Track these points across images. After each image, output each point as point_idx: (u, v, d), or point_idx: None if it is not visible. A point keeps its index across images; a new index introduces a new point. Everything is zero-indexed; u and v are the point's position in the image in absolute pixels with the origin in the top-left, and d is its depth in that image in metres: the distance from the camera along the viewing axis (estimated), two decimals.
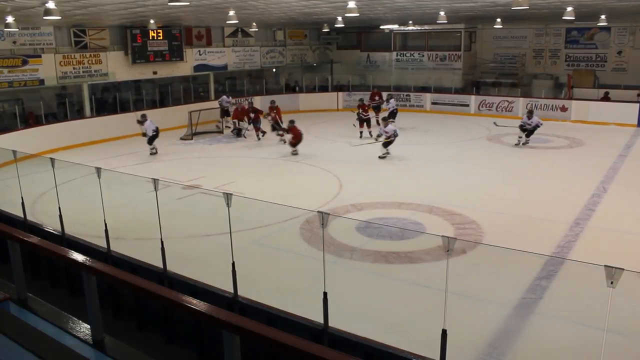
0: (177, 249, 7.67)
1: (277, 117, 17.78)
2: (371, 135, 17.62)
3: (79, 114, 19.18)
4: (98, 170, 7.19)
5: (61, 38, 18.24)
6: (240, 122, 18.96)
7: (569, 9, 14.55)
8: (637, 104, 20.41)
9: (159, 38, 20.61)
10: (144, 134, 16.24)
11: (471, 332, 6.31)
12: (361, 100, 19.52)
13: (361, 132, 18.11)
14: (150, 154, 16.33)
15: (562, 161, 15.35)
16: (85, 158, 14.33)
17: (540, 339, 6.40)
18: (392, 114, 19.74)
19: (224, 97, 21.18)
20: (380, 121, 17.66)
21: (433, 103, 23.90)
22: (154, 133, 16.16)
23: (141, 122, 16.21)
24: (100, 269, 3.55)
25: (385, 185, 12.69)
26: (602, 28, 22.81)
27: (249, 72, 25.97)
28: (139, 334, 6.06)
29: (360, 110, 18.34)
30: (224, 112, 20.61)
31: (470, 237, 9.31)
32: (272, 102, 18.50)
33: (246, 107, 19.39)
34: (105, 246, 7.45)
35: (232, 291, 6.09)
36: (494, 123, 17.74)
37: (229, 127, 19.83)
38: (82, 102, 19.25)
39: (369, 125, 18.29)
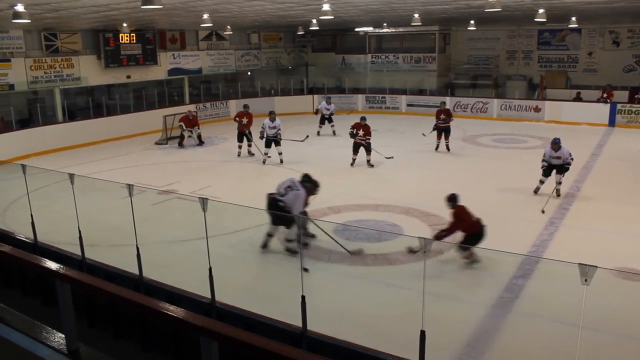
0: (153, 255, 7.58)
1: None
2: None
3: (51, 119, 18.89)
4: (71, 176, 7.08)
5: (31, 42, 17.94)
6: (187, 130, 18.06)
7: (541, 11, 14.77)
8: (608, 104, 20.78)
9: (132, 42, 20.40)
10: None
11: (449, 333, 6.34)
12: (443, 103, 17.70)
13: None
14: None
15: (536, 161, 15.43)
16: (58, 164, 14.11)
17: (517, 337, 6.46)
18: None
19: (323, 103, 19.90)
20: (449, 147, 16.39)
21: (409, 105, 24.06)
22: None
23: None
24: (75, 276, 3.47)
25: (362, 188, 12.71)
26: (573, 30, 23.21)
27: (224, 75, 25.84)
28: (115, 342, 5.98)
29: (437, 121, 16.39)
30: (323, 119, 19.62)
31: (447, 238, 9.35)
32: (246, 106, 16.78)
33: (195, 116, 18.59)
34: (80, 253, 7.34)
35: (209, 297, 6.04)
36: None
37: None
38: (54, 107, 18.96)
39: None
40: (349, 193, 12.07)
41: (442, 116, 16.40)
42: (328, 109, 19.56)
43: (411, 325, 5.16)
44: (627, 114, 20.44)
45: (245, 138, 16.29)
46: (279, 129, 14.93)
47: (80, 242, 7.36)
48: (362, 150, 14.44)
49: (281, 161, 15.00)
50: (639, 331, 6.51)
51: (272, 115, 14.98)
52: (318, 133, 19.50)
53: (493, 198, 11.81)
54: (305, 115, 23.75)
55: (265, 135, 14.96)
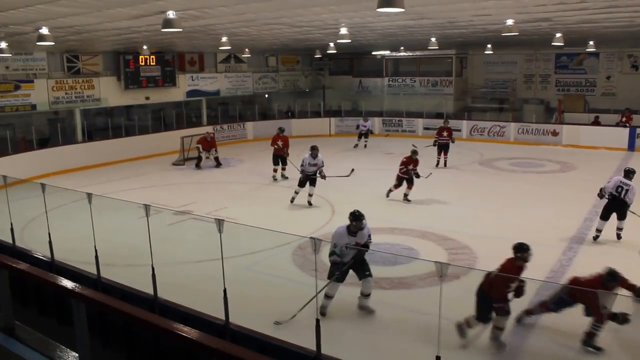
0: (169, 275, 7.59)
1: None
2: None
3: (71, 139, 19.14)
4: (89, 195, 7.15)
5: (54, 63, 18.30)
6: (204, 152, 18.20)
7: (558, 35, 14.76)
8: (627, 128, 20.62)
9: (151, 64, 20.70)
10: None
11: (466, 358, 6.24)
12: (446, 121, 18.69)
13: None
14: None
15: (554, 185, 15.40)
16: (76, 183, 14.24)
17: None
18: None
19: (361, 120, 22.44)
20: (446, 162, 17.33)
21: (425, 128, 24.02)
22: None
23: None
24: (90, 295, 3.48)
25: (378, 211, 12.63)
26: (590, 54, 23.12)
27: (241, 97, 26.06)
28: None
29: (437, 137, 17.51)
30: (360, 135, 22.04)
31: (464, 262, 9.27)
32: (281, 129, 16.60)
33: (213, 138, 18.69)
34: (96, 273, 7.37)
35: (223, 318, 6.02)
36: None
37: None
38: (74, 127, 19.23)
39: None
40: (364, 216, 11.97)
41: (445, 133, 17.49)
42: (365, 126, 22.00)
43: (427, 350, 5.10)
44: None
45: (280, 161, 16.06)
46: (321, 166, 13.17)
47: (97, 261, 7.40)
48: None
49: (309, 203, 13.19)
50: None
51: (314, 151, 13.13)
52: (355, 146, 21.82)
53: (511, 222, 11.71)
54: (322, 137, 23.82)
55: (304, 173, 13.19)
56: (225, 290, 6.03)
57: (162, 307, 6.53)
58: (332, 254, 7.34)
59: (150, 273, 6.73)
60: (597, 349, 6.32)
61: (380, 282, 8.29)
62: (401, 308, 7.85)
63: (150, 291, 6.71)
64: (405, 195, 13.50)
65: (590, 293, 6.31)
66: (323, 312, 7.10)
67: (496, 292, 6.32)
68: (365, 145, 21.75)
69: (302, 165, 13.23)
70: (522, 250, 6.40)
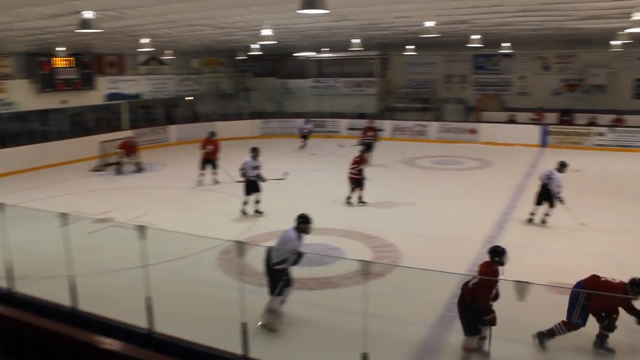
0: (89, 285, 7.34)
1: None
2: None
3: None
4: (0, 205, 6.82)
5: None
6: (125, 157, 17.77)
7: (475, 36, 15.32)
8: (539, 126, 21.72)
9: (68, 66, 19.92)
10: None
11: (392, 354, 6.37)
12: (370, 120, 19.87)
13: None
14: None
15: (473, 182, 15.97)
16: None
17: (459, 355, 6.54)
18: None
19: (301, 121, 22.94)
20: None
21: (349, 128, 24.33)
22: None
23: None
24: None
25: (302, 211, 12.66)
26: (506, 55, 24.12)
27: (163, 100, 25.49)
28: None
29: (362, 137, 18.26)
30: (301, 135, 22.47)
31: (388, 259, 9.47)
32: (212, 133, 16.18)
33: (135, 142, 18.35)
34: (9, 287, 7.04)
35: (147, 327, 5.89)
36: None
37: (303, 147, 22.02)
38: None
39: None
40: (290, 218, 11.95)
41: (369, 133, 18.49)
42: (306, 128, 22.58)
43: (354, 348, 5.16)
44: (557, 135, 21.38)
45: (211, 166, 15.64)
46: (261, 169, 12.58)
47: (10, 274, 7.07)
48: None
49: (257, 212, 12.61)
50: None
51: (255, 153, 12.48)
52: (302, 146, 22.04)
53: (433, 219, 12.06)
54: (246, 139, 23.65)
55: (246, 177, 12.44)
56: (148, 298, 5.90)
57: (82, 319, 6.32)
58: (284, 261, 7.03)
59: (70, 284, 6.50)
60: (609, 351, 6.33)
61: (307, 283, 8.35)
62: (328, 308, 7.92)
63: (70, 303, 6.47)
64: (360, 197, 13.37)
65: (611, 297, 6.13)
66: (273, 329, 6.98)
67: (482, 300, 5.99)
68: (302, 146, 21.96)
69: (242, 169, 12.44)
70: (498, 254, 6.16)
